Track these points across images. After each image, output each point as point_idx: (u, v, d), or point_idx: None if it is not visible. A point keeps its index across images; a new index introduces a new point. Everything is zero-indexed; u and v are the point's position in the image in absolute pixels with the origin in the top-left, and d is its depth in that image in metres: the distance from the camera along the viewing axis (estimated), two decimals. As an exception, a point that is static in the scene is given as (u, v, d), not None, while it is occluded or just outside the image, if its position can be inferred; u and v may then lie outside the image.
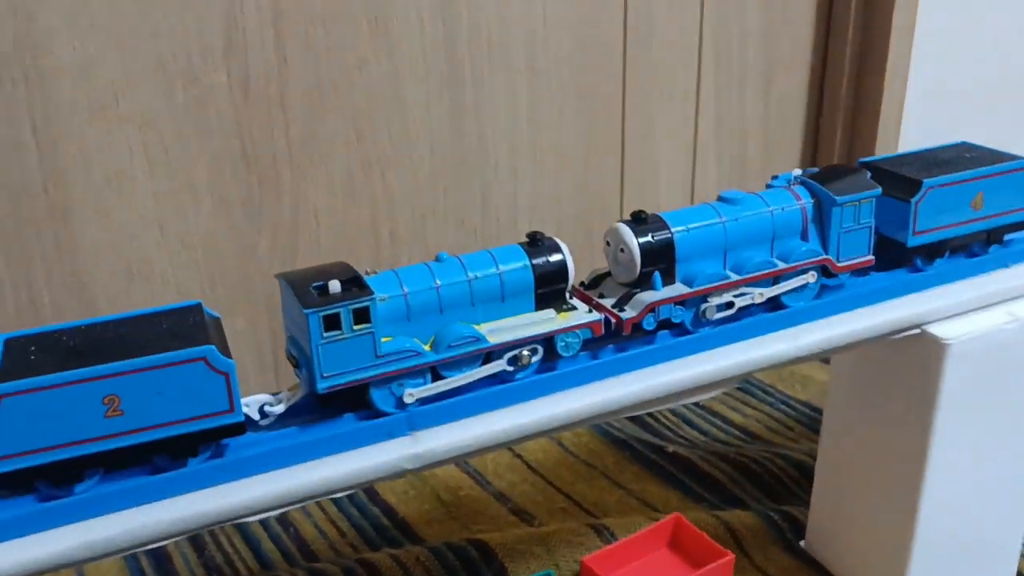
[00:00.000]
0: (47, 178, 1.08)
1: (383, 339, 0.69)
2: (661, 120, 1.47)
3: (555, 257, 0.75)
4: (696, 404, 1.48)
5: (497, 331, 0.73)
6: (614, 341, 0.79)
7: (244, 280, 1.23)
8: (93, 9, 1.04)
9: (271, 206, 1.22)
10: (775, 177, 0.88)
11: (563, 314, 0.75)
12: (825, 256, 0.84)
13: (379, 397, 0.70)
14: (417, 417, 0.71)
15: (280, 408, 0.70)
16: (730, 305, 0.80)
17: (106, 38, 1.05)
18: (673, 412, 1.45)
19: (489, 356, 0.73)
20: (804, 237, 0.85)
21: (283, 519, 1.23)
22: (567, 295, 0.77)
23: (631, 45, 1.40)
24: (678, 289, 0.79)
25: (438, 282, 0.72)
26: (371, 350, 0.68)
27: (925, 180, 0.87)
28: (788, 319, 0.84)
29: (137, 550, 0.64)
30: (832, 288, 0.87)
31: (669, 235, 0.79)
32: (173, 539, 0.65)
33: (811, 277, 0.84)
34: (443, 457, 0.71)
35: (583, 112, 1.40)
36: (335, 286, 0.67)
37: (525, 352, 0.73)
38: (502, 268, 0.73)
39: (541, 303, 0.75)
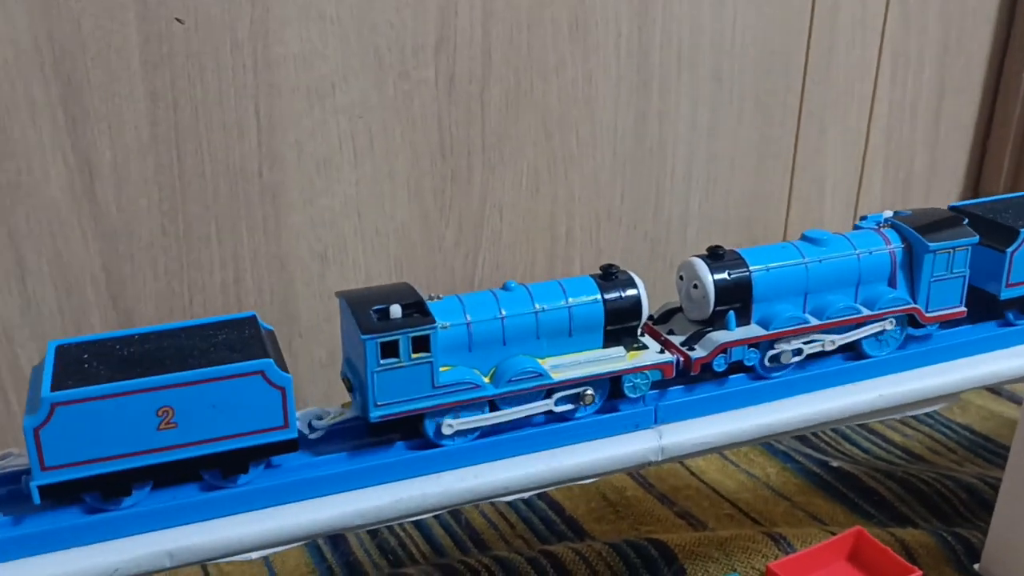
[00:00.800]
0: (263, 161, 1.12)
1: (442, 368, 0.67)
2: (833, 134, 1.47)
3: (629, 292, 0.71)
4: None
5: (562, 367, 0.70)
6: (682, 382, 0.76)
7: (429, 271, 1.26)
8: (323, 2, 1.08)
9: (460, 199, 1.25)
10: (864, 218, 0.84)
11: (633, 353, 0.72)
12: (913, 305, 0.79)
13: (433, 428, 0.68)
14: (471, 451, 0.69)
15: (326, 423, 0.68)
16: (799, 352, 0.76)
17: (331, 30, 1.09)
18: (832, 428, 1.45)
19: (551, 392, 0.70)
20: (892, 284, 0.80)
21: (453, 509, 1.26)
22: (639, 332, 0.73)
23: (813, 58, 1.40)
24: (753, 331, 0.75)
25: (503, 312, 0.69)
26: (429, 380, 0.66)
27: (1022, 229, 0.82)
28: (870, 369, 0.80)
29: (181, 567, 0.61)
30: (919, 339, 0.82)
31: (747, 273, 0.75)
32: (218, 560, 0.63)
33: (888, 324, 0.79)
34: (488, 495, 0.68)
35: (759, 122, 1.40)
36: (396, 311, 0.64)
37: (589, 392, 0.71)
38: (571, 301, 0.70)
39: (610, 339, 0.72)
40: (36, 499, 0.58)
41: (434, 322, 0.64)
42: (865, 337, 0.79)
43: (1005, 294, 0.83)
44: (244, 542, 0.62)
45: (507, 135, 1.24)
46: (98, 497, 0.60)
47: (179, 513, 0.62)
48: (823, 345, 0.77)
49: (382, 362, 0.64)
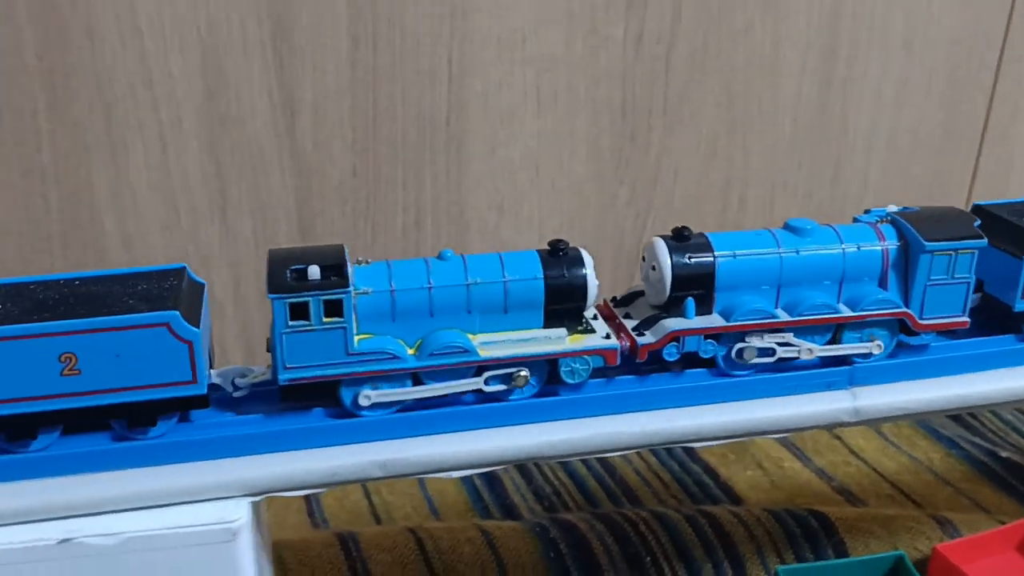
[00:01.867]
0: (451, 110, 1.15)
1: (361, 336, 0.64)
2: (1027, 115, 1.41)
3: (575, 272, 0.67)
4: (1021, 411, 1.42)
5: (492, 344, 0.66)
6: (637, 371, 0.71)
7: (599, 227, 1.28)
8: (525, -50, 1.10)
9: (637, 159, 1.25)
10: (867, 211, 0.77)
11: (575, 336, 0.67)
12: (903, 309, 0.72)
13: (349, 397, 0.65)
14: (390, 424, 0.66)
15: (248, 382, 0.66)
16: (771, 352, 0.70)
17: (528, -19, 1.11)
18: (998, 416, 1.40)
19: (482, 371, 0.66)
20: (883, 284, 0.73)
21: (605, 462, 1.27)
22: (584, 315, 0.69)
23: (1013, 34, 1.34)
24: (711, 321, 0.70)
25: (431, 282, 0.64)
26: (342, 346, 0.63)
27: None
28: (850, 376, 0.73)
29: (85, 516, 0.60)
30: (913, 348, 0.75)
31: (710, 259, 0.69)
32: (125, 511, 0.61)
33: (876, 347, 0.72)
34: (404, 471, 0.65)
35: (948, 97, 1.36)
36: (314, 272, 0.61)
37: (523, 373, 0.66)
38: (508, 276, 0.66)
39: (553, 320, 0.67)
40: None
41: (347, 286, 0.61)
42: (851, 355, 0.72)
43: (1021, 306, 0.75)
44: (153, 493, 0.61)
45: (689, 97, 1.23)
46: (2, 438, 0.60)
47: (85, 460, 0.61)
48: (798, 353, 0.70)
49: (291, 323, 0.61)
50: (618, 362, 0.68)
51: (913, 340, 0.74)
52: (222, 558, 0.60)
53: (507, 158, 1.20)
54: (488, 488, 1.21)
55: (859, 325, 0.72)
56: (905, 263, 0.72)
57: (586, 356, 0.67)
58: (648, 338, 0.69)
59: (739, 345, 0.70)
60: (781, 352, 0.70)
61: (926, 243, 0.71)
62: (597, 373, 0.69)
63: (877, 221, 0.74)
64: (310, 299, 0.61)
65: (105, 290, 0.62)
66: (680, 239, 0.70)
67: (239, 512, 0.60)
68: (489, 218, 1.23)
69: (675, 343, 0.69)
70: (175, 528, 0.59)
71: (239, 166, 1.11)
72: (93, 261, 1.09)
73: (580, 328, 0.68)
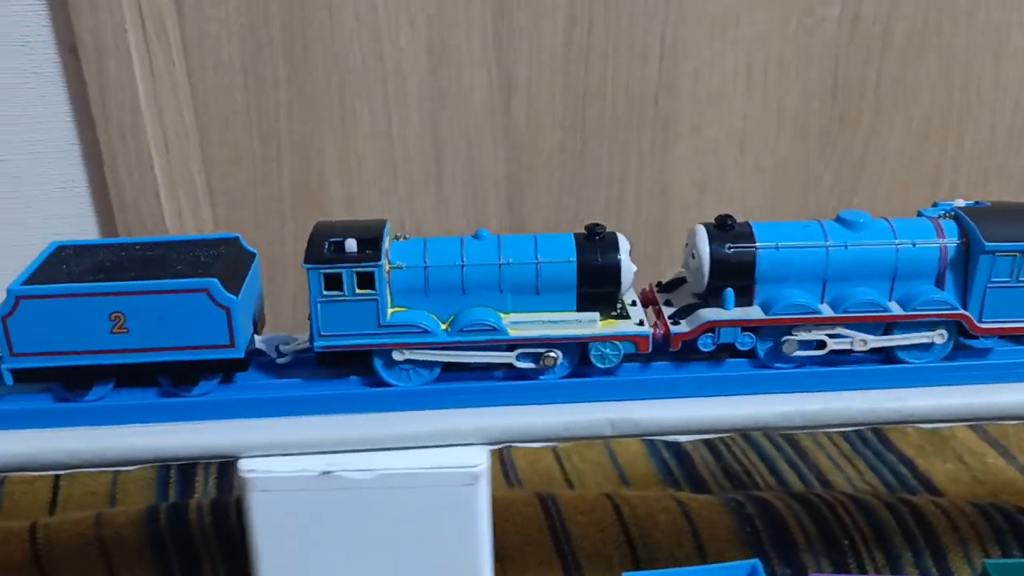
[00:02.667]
0: (660, 88, 1.17)
1: (396, 309, 0.66)
2: None
3: (608, 256, 0.66)
4: None
5: (522, 324, 0.66)
6: (675, 358, 0.69)
7: (801, 210, 1.27)
8: (742, -67, 1.10)
9: (844, 142, 1.23)
10: (935, 204, 0.73)
11: (608, 321, 0.67)
12: (960, 311, 0.68)
13: (383, 367, 0.67)
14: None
15: (291, 349, 0.69)
16: (821, 345, 0.68)
17: (745, -40, 1.12)
18: None
19: (513, 349, 0.67)
20: (940, 284, 0.69)
21: (797, 445, 1.27)
22: (619, 300, 0.68)
23: None
24: (748, 313, 0.68)
25: (464, 260, 0.65)
26: (374, 317, 0.65)
27: None
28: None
29: (344, 452, 0.64)
30: (975, 352, 0.71)
31: (751, 249, 0.67)
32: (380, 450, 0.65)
33: (939, 337, 0.68)
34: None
35: None
36: (351, 245, 0.64)
37: (551, 354, 0.66)
38: (541, 258, 0.66)
39: (586, 303, 0.67)
40: (8, 380, 0.64)
41: (379, 260, 0.63)
42: (908, 346, 0.69)
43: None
44: (405, 436, 0.65)
45: (903, 79, 1.21)
46: (62, 387, 0.65)
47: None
48: (852, 343, 0.68)
49: (325, 293, 0.64)
50: (649, 349, 0.67)
51: (976, 344, 0.70)
52: (463, 500, 0.64)
53: (713, 137, 1.21)
54: (677, 462, 1.23)
55: (912, 326, 0.69)
56: (965, 262, 0.68)
57: (617, 342, 0.67)
58: (683, 327, 0.68)
59: (784, 338, 0.68)
60: (832, 344, 0.68)
61: (986, 242, 0.67)
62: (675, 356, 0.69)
63: (940, 216, 0.70)
64: (343, 271, 0.63)
65: (160, 255, 0.67)
66: (721, 228, 0.68)
67: (480, 458, 0.64)
68: (691, 196, 1.24)
69: (710, 333, 0.68)
70: (423, 469, 0.64)
71: (455, 139, 1.16)
72: (318, 223, 1.17)
73: (614, 313, 0.68)
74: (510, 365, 0.67)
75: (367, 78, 1.11)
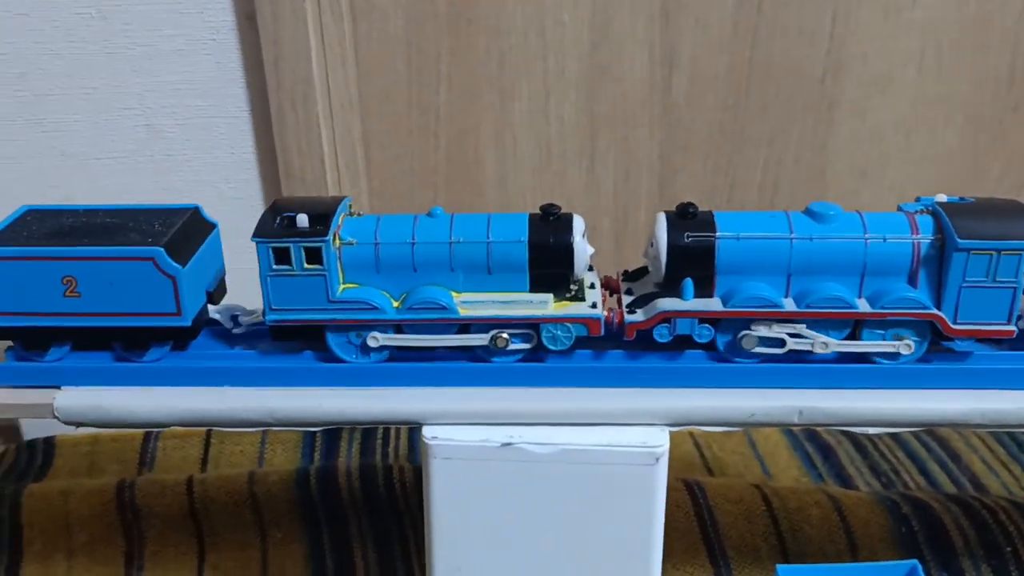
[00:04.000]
0: (827, 70, 1.13)
1: (348, 285, 0.66)
2: None
3: (561, 237, 0.65)
4: None
5: (473, 304, 0.65)
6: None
7: (966, 202, 1.22)
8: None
9: (1018, 133, 1.18)
10: (918, 199, 0.68)
11: (561, 303, 0.66)
12: (932, 311, 0.64)
13: (335, 342, 0.67)
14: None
15: (249, 320, 0.70)
16: (781, 343, 0.65)
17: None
18: None
19: (468, 330, 0.66)
20: (912, 282, 0.65)
21: (948, 447, 1.23)
22: (575, 282, 0.67)
23: None
24: (706, 304, 0.65)
25: (415, 238, 0.65)
26: (323, 293, 0.65)
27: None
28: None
29: (526, 425, 0.64)
30: (951, 355, 0.67)
31: (711, 239, 0.64)
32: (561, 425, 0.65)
33: (905, 347, 0.65)
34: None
35: None
36: (303, 220, 0.64)
37: (503, 335, 0.65)
38: (493, 238, 0.65)
39: (539, 285, 0.66)
40: None
41: (326, 235, 0.63)
42: (875, 352, 0.66)
43: None
44: (587, 412, 0.65)
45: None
46: (20, 347, 0.68)
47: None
48: (812, 346, 0.65)
49: (275, 268, 0.64)
50: (601, 333, 0.66)
51: (956, 347, 0.67)
52: (642, 480, 0.64)
53: (878, 122, 1.17)
54: (821, 457, 1.20)
55: (882, 324, 0.65)
56: (940, 261, 0.64)
57: (568, 324, 0.66)
58: (638, 316, 0.66)
59: (742, 332, 0.65)
60: (792, 344, 0.65)
61: (960, 240, 0.63)
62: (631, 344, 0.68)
63: (918, 212, 0.66)
64: (291, 245, 0.64)
65: (119, 223, 0.68)
66: (682, 216, 0.65)
67: (661, 439, 0.64)
68: (849, 183, 1.20)
69: (666, 324, 0.66)
70: (605, 446, 0.63)
71: (610, 117, 1.15)
72: (470, 198, 1.18)
73: (568, 295, 0.67)
74: (460, 347, 0.67)
75: (527, 53, 1.11)
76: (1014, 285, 0.64)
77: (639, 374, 0.67)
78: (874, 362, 0.67)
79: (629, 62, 1.12)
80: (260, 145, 1.11)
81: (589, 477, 0.64)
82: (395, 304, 0.66)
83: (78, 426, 0.69)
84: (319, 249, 0.64)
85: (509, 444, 0.64)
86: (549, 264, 0.66)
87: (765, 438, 1.23)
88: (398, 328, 0.67)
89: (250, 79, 1.08)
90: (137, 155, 1.12)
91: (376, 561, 0.97)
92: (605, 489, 0.64)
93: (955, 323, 0.65)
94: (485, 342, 0.66)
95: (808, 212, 0.66)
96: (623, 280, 0.71)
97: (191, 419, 0.67)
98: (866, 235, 0.65)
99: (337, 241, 0.65)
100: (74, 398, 0.67)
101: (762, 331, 0.65)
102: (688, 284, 0.66)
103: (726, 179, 1.19)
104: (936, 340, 0.67)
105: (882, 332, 0.66)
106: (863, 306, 0.65)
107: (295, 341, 0.69)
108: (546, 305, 0.66)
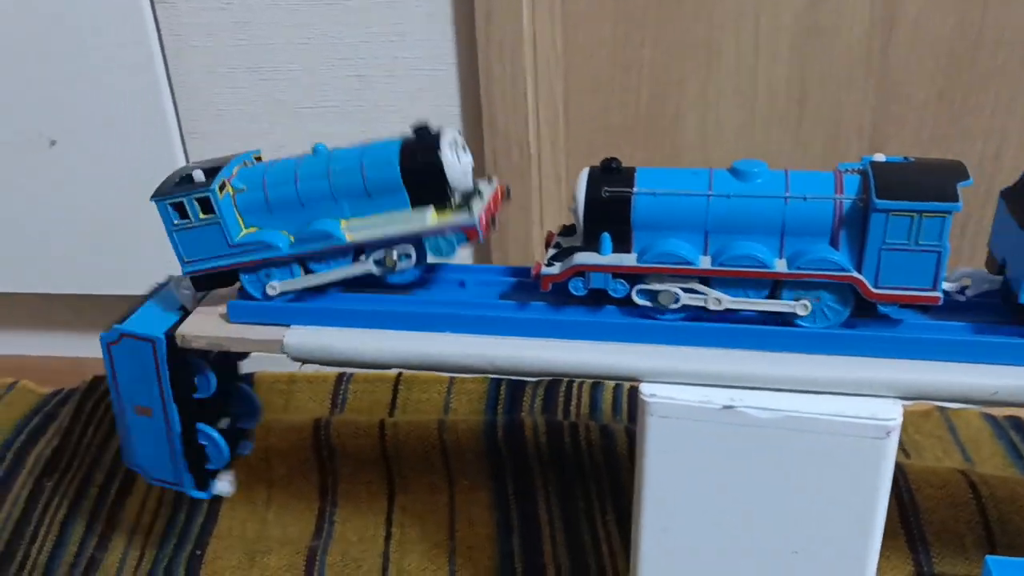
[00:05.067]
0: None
1: (248, 230, 0.71)
2: None
3: (427, 154, 0.67)
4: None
5: (358, 229, 0.69)
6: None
7: None
8: None
9: None
10: (863, 159, 0.64)
11: (439, 214, 0.68)
12: (850, 273, 0.62)
13: (249, 283, 0.72)
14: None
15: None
16: (680, 298, 0.65)
17: None
18: None
19: (358, 255, 0.70)
20: (835, 244, 0.63)
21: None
22: (458, 196, 0.68)
23: None
24: (620, 259, 0.65)
25: (297, 176, 0.69)
26: (222, 239, 0.69)
27: None
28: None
29: (748, 388, 0.63)
30: (878, 323, 0.64)
31: (627, 194, 0.64)
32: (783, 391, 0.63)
33: (802, 308, 0.63)
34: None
35: None
36: (198, 175, 0.68)
37: (394, 253, 0.69)
38: (365, 163, 0.68)
39: (422, 202, 0.68)
40: None
41: (210, 185, 0.67)
42: (775, 312, 0.64)
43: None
44: (811, 380, 0.63)
45: None
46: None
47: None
48: (706, 302, 0.65)
49: (176, 223, 0.70)
50: (480, 240, 0.68)
51: (892, 313, 0.64)
52: (870, 454, 0.61)
53: None
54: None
55: (801, 286, 0.63)
56: (864, 222, 0.61)
57: (450, 235, 0.68)
58: (554, 269, 0.67)
59: (643, 287, 0.66)
60: (685, 299, 0.65)
61: (878, 200, 0.60)
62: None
63: (848, 171, 0.63)
64: (183, 198, 0.69)
65: None
66: (605, 171, 0.66)
67: (894, 412, 0.61)
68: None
69: (580, 277, 0.66)
70: (831, 415, 0.61)
71: (822, 78, 1.10)
72: (667, 158, 1.16)
73: (446, 207, 0.68)
74: (369, 272, 0.70)
75: (739, 10, 1.07)
76: (938, 250, 0.60)
77: (867, 343, 0.64)
78: (794, 325, 0.65)
79: (848, 22, 1.07)
80: (465, 98, 1.12)
81: (812, 447, 0.62)
82: (291, 240, 0.70)
83: (303, 363, 0.71)
84: (207, 198, 0.69)
85: (730, 407, 0.63)
86: (423, 180, 0.68)
87: (966, 422, 1.16)
88: (302, 264, 0.71)
89: (460, 32, 1.09)
90: (347, 104, 1.15)
91: (560, 515, 0.98)
92: (829, 461, 0.62)
93: (876, 287, 0.62)
94: (375, 266, 0.70)
95: (732, 170, 0.65)
96: (559, 235, 0.72)
97: (416, 362, 0.68)
98: (787, 194, 0.63)
99: (230, 189, 0.70)
100: (302, 336, 0.70)
101: (655, 286, 0.65)
102: (606, 239, 0.66)
103: (941, 150, 1.12)
104: (865, 306, 0.64)
105: (804, 294, 0.64)
106: (780, 266, 0.63)
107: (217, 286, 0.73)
108: (424, 218, 0.68)
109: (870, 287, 0.63)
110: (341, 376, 1.21)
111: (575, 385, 1.16)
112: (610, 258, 0.66)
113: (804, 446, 0.62)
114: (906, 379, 0.62)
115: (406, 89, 1.13)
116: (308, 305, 0.72)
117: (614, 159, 0.67)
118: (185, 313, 0.75)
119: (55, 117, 1.17)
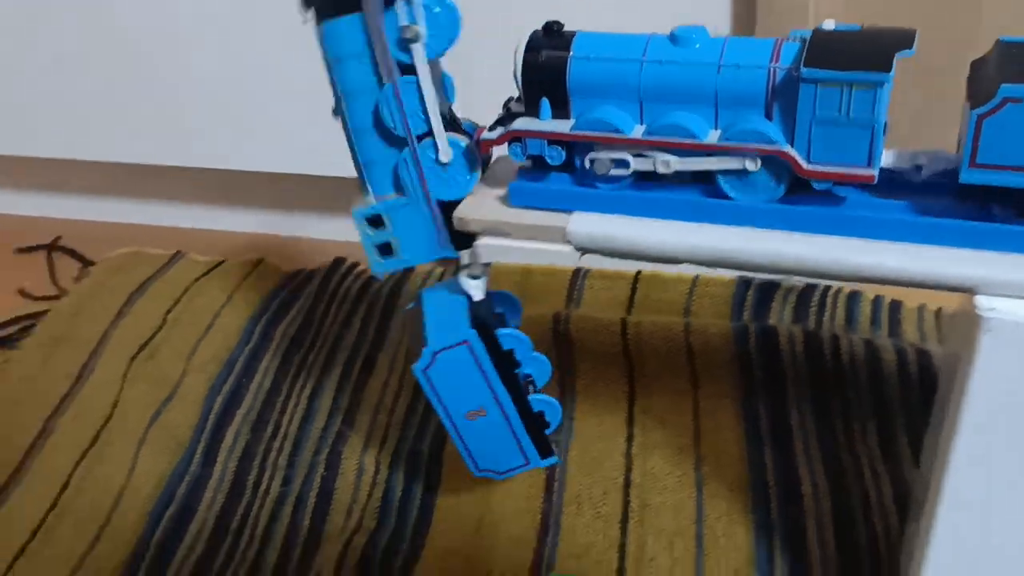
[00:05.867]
0: None
1: None
2: None
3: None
4: None
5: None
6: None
7: None
8: None
9: None
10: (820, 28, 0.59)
11: None
12: (779, 147, 0.59)
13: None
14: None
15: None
16: (622, 164, 0.63)
17: None
18: None
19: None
20: (768, 115, 0.60)
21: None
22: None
23: None
24: (554, 126, 0.65)
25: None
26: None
27: (1003, 85, 0.52)
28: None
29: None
30: (820, 200, 0.61)
31: (562, 58, 0.63)
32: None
33: (752, 164, 0.60)
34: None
35: None
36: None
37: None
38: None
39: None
40: None
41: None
42: (721, 171, 0.62)
43: (968, 176, 0.55)
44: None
45: None
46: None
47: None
48: (655, 164, 0.63)
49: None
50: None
51: (841, 192, 0.61)
52: None
53: None
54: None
55: (734, 157, 0.61)
56: (796, 93, 0.58)
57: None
58: (492, 134, 0.66)
59: (589, 155, 0.64)
60: (636, 164, 0.63)
61: (805, 69, 0.56)
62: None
63: (789, 38, 0.60)
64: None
65: None
66: (547, 33, 0.64)
67: None
68: None
69: (518, 143, 0.66)
70: None
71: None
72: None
73: None
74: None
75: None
76: (872, 124, 0.56)
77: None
78: (728, 197, 0.63)
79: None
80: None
81: None
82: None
83: (583, 253, 0.67)
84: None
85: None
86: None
87: None
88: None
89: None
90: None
91: (814, 430, 0.92)
92: None
93: (809, 163, 0.59)
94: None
95: (671, 36, 0.62)
96: (515, 100, 0.69)
97: (706, 256, 0.63)
98: (720, 62, 0.60)
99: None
100: (586, 223, 0.65)
101: (604, 154, 0.63)
102: (545, 105, 0.65)
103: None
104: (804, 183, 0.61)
105: (722, 157, 0.61)
106: (712, 137, 0.61)
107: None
108: None
109: (800, 162, 0.59)
110: (577, 271, 1.17)
111: (830, 294, 1.07)
112: (544, 124, 0.65)
113: None
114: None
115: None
116: (593, 192, 0.67)
117: (556, 22, 0.65)
118: (468, 300, 0.73)
119: None
